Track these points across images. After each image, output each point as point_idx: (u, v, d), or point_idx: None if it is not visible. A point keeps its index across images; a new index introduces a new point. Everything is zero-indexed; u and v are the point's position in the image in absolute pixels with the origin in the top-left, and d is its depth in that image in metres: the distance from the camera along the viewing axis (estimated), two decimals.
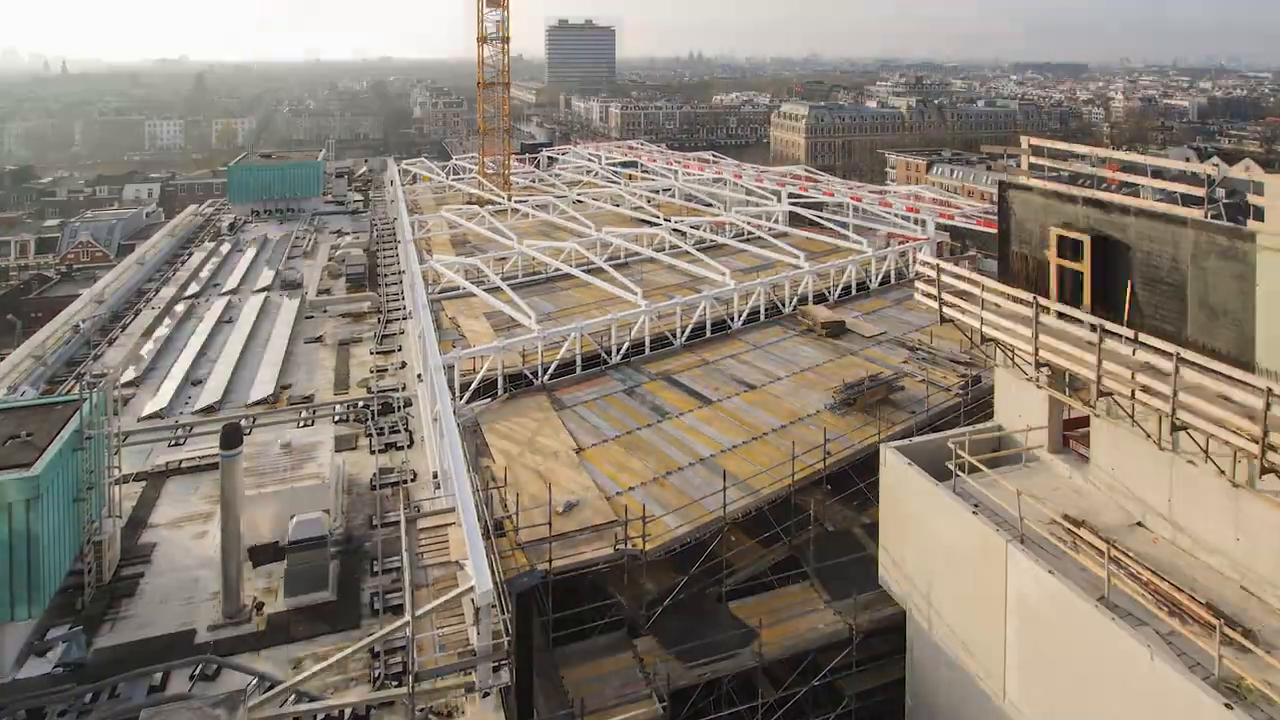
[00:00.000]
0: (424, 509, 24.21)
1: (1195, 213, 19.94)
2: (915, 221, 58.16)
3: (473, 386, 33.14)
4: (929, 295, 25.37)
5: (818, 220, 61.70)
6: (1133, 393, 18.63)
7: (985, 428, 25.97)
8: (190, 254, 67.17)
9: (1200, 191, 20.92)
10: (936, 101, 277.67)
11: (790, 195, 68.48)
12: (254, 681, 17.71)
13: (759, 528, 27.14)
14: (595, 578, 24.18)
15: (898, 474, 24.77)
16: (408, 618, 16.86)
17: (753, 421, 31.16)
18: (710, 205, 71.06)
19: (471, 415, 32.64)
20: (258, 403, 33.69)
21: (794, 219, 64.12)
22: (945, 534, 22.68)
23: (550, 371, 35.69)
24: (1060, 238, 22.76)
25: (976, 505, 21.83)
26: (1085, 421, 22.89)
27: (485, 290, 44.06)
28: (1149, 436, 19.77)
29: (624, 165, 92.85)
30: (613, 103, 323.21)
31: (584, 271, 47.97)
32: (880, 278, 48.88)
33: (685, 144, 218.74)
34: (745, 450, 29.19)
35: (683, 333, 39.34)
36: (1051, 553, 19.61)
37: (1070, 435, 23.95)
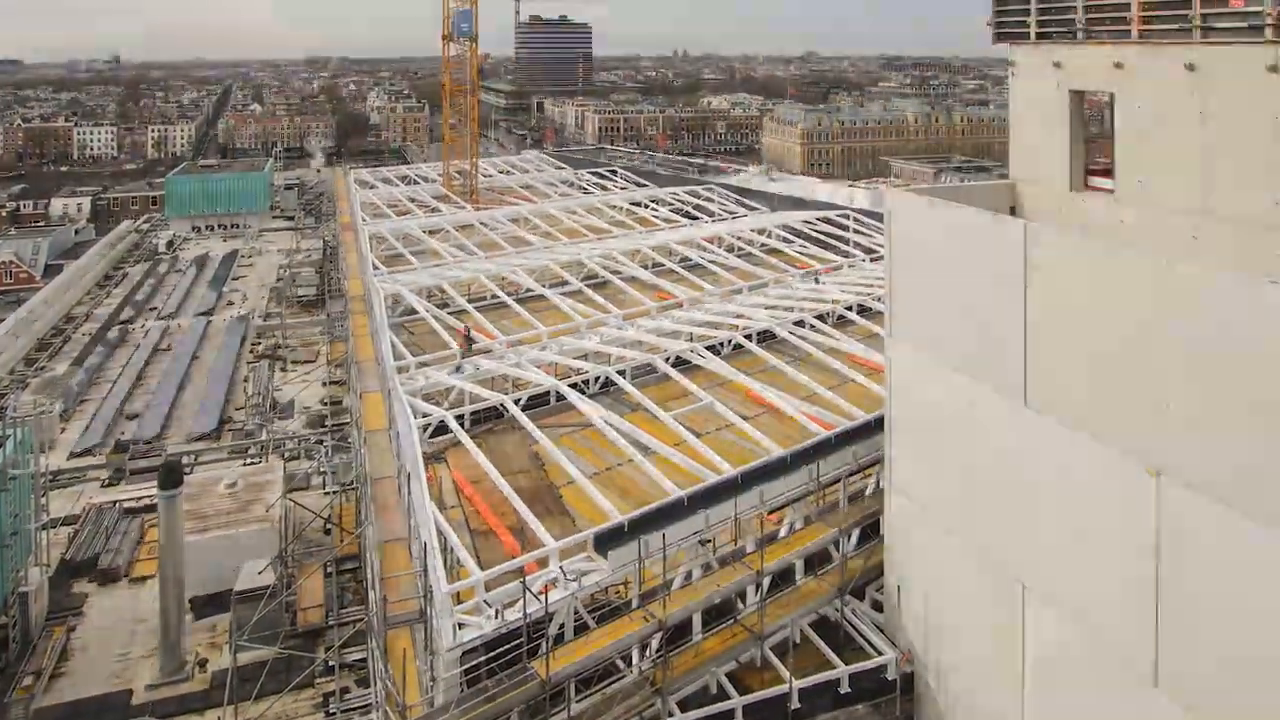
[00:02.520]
0: (385, 554, 24.26)
1: None
2: None
3: (438, 418, 33.21)
4: None
5: (816, 236, 62.09)
6: None
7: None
8: (124, 274, 67.09)
9: None
10: (946, 103, 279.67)
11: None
12: None
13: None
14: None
15: (905, 517, 25.02)
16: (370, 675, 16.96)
17: (744, 456, 31.25)
18: (697, 218, 71.44)
19: (436, 451, 32.68)
20: (199, 438, 33.67)
21: (790, 231, 64.45)
22: (954, 579, 22.90)
23: (523, 402, 35.76)
24: None
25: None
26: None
27: (450, 313, 44.13)
28: None
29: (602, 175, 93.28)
30: (589, 106, 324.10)
31: (559, 293, 48.12)
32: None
33: (670, 151, 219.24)
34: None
35: (668, 360, 39.47)
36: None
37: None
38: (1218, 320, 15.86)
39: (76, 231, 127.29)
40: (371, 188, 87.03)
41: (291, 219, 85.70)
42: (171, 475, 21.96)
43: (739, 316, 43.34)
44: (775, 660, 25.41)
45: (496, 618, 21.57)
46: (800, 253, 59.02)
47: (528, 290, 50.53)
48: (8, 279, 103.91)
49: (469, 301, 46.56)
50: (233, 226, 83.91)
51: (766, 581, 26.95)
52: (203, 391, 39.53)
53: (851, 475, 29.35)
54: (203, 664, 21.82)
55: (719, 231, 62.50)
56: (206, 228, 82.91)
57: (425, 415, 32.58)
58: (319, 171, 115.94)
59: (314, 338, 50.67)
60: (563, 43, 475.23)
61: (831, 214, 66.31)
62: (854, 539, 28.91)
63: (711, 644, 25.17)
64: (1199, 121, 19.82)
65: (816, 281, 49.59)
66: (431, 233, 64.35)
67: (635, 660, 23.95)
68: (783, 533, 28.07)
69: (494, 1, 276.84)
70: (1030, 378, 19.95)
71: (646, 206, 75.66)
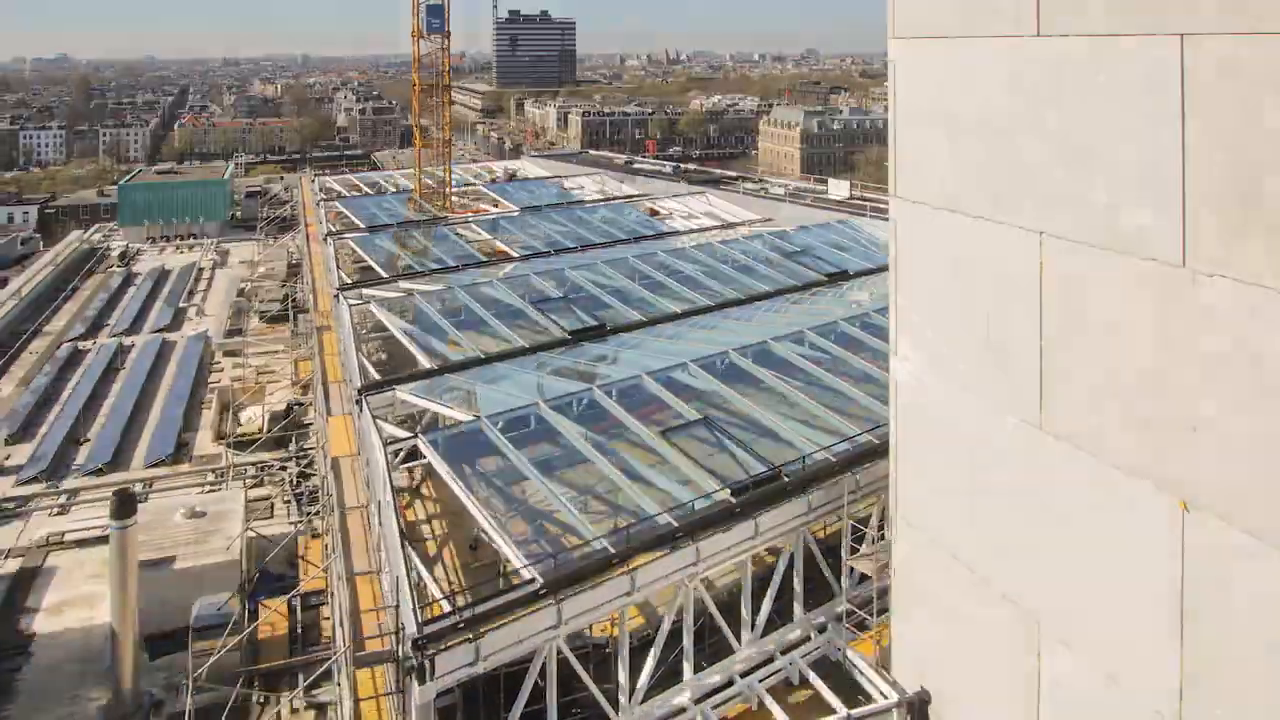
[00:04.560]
0: (354, 589, 24.27)
1: None
2: None
3: (410, 443, 33.24)
4: None
5: (815, 247, 62.27)
6: None
7: None
8: (74, 288, 66.99)
9: None
10: None
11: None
12: None
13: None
14: (560, 668, 24.23)
15: (912, 550, 25.10)
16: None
17: (738, 481, 31.33)
18: (689, 228, 71.59)
19: (409, 478, 32.70)
20: (155, 464, 33.66)
21: (788, 241, 64.61)
22: (964, 617, 22.97)
23: (501, 425, 35.77)
24: None
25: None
26: None
27: (424, 330, 44.15)
28: None
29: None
30: (573, 108, 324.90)
31: (541, 308, 48.13)
32: None
33: (659, 156, 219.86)
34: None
35: (657, 379, 39.54)
36: None
37: None
38: (1251, 335, 15.91)
39: (22, 242, 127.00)
40: (339, 195, 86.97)
41: (254, 229, 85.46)
42: (125, 504, 21.93)
43: (733, 333, 43.43)
44: (772, 703, 25.46)
45: (474, 659, 21.59)
46: (800, 264, 59.18)
47: (507, 306, 50.48)
48: None
49: (444, 318, 46.55)
50: (190, 237, 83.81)
51: (764, 618, 27.14)
52: (159, 414, 39.53)
53: (854, 502, 29.47)
54: (158, 706, 21.79)
55: (712, 242, 62.64)
56: (163, 238, 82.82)
57: (396, 440, 32.59)
58: (282, 178, 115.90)
59: (279, 356, 50.61)
60: (544, 40, 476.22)
61: (831, 223, 66.64)
62: (856, 572, 29.06)
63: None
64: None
65: None
66: (403, 244, 64.39)
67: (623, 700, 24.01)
68: (781, 564, 28.15)
69: None
70: (1046, 399, 20.02)
71: (634, 216, 75.76)
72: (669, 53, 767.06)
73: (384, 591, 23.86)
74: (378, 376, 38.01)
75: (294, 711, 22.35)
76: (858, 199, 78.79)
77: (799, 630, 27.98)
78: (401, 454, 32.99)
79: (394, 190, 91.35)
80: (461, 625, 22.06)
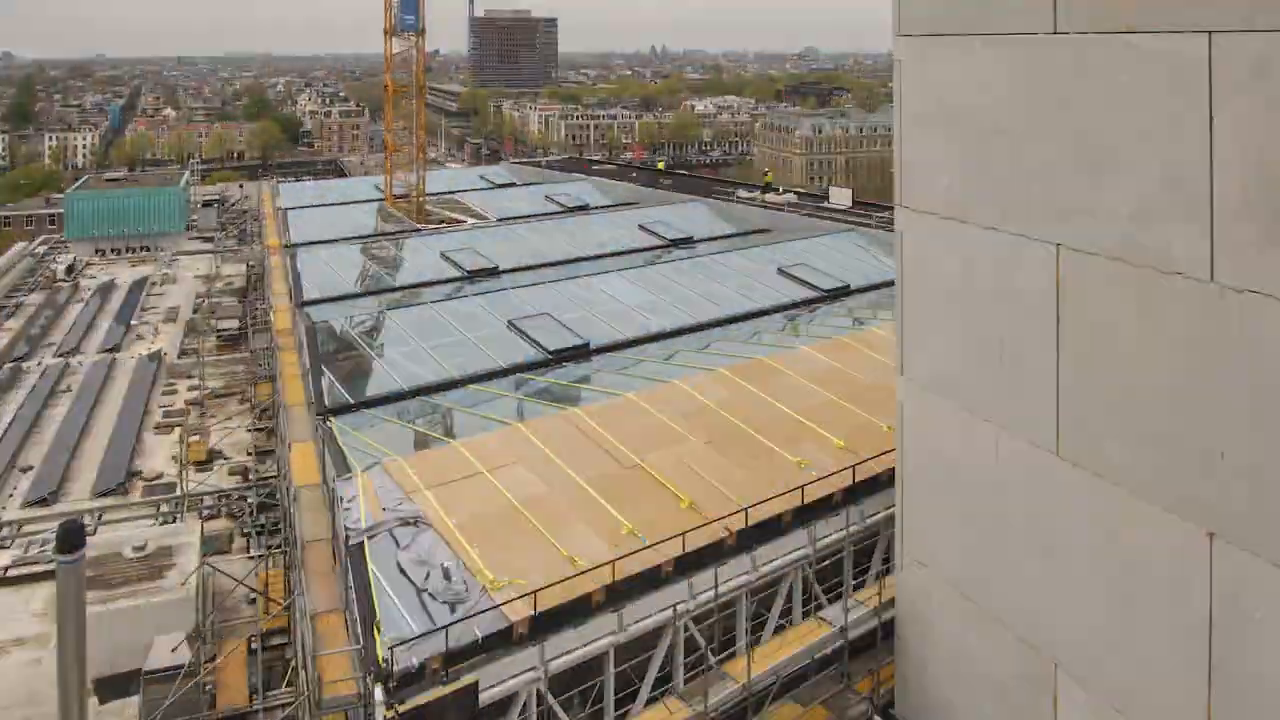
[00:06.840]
0: (318, 628, 24.16)
1: None
2: None
3: (378, 470, 33.16)
4: None
5: (818, 263, 62.35)
6: None
7: None
8: (18, 304, 66.77)
9: None
10: None
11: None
12: None
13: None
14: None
15: (920, 587, 25.11)
16: None
17: (734, 513, 31.29)
18: (682, 241, 71.55)
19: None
20: (104, 493, 33.51)
21: (788, 258, 64.63)
22: (976, 658, 22.97)
23: (478, 448, 35.69)
24: None
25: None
26: None
27: (396, 351, 44.02)
28: None
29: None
30: (555, 110, 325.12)
31: (524, 325, 48.05)
32: None
33: (648, 162, 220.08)
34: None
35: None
36: None
37: None
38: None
39: None
40: (303, 204, 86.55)
41: (211, 240, 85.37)
42: (72, 536, 21.81)
43: (727, 352, 43.42)
44: None
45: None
46: (799, 279, 59.18)
47: (484, 322, 50.29)
48: None
49: (416, 336, 46.44)
50: (143, 249, 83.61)
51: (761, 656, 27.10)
52: (107, 440, 39.40)
53: (857, 533, 29.46)
54: None
55: (705, 254, 62.63)
56: (112, 250, 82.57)
57: (364, 468, 32.51)
58: (241, 186, 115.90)
59: (235, 377, 50.53)
60: (524, 38, 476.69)
61: (833, 234, 66.67)
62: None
63: None
64: None
65: None
66: (372, 256, 64.26)
67: None
68: (779, 599, 28.13)
69: None
70: (1063, 424, 20.04)
71: (620, 226, 75.59)
72: (656, 48, 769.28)
73: (351, 630, 23.77)
74: (344, 399, 37.90)
75: None
76: (861, 208, 78.73)
77: (798, 669, 27.91)
78: None
79: (362, 199, 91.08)
80: (435, 666, 21.99)
